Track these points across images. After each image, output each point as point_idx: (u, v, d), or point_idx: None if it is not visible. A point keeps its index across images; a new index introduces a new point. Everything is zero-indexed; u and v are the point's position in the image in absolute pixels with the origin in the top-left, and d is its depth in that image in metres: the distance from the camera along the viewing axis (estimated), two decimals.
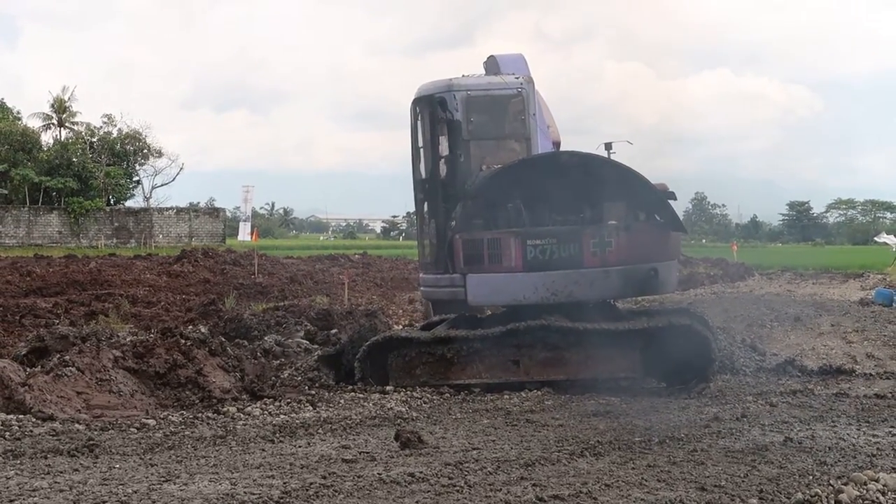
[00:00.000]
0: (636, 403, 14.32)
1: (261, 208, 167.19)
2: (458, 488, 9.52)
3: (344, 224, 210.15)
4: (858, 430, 12.51)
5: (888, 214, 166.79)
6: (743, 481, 9.91)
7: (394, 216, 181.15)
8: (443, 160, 16.71)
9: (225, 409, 13.51)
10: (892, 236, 58.18)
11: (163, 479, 9.89)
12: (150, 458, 10.86)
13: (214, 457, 10.99)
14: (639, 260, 15.85)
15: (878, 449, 11.38)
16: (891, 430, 12.50)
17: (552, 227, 15.96)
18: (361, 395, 14.82)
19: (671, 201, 16.25)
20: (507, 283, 15.89)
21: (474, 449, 11.34)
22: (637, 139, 17.35)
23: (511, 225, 15.94)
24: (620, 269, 15.83)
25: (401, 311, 26.76)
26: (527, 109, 16.54)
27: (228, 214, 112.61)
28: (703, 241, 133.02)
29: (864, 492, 8.71)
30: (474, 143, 16.82)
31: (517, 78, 16.66)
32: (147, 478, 9.92)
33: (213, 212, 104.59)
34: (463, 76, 16.84)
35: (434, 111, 16.61)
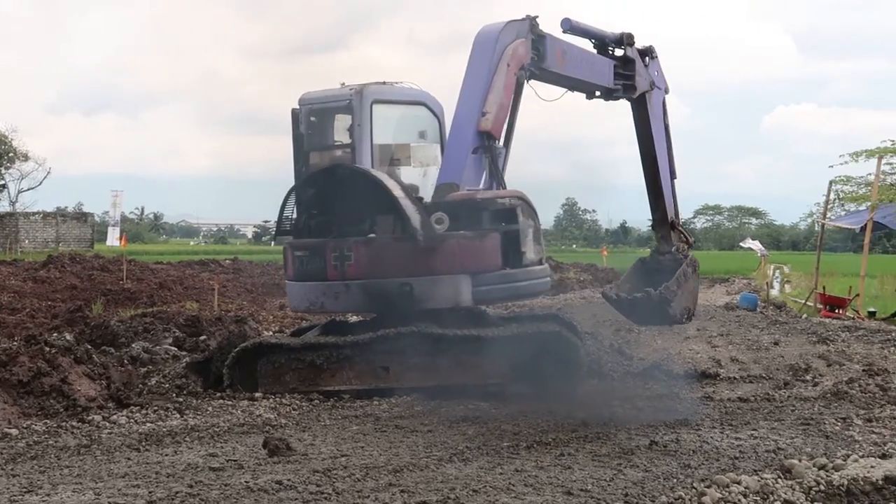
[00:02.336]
0: (505, 408, 14.40)
1: (130, 213, 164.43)
2: (326, 495, 9.49)
3: (215, 229, 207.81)
4: (722, 433, 12.72)
5: (754, 220, 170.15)
6: (609, 485, 10.03)
7: (265, 221, 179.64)
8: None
9: (90, 417, 13.29)
10: (757, 242, 59.34)
11: (25, 489, 9.72)
12: (11, 469, 10.66)
13: (79, 466, 10.82)
14: (384, 274, 15.88)
15: (740, 452, 11.60)
16: (753, 432, 12.73)
17: (308, 239, 16.43)
18: (230, 402, 14.70)
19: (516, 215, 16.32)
20: (289, 291, 17.23)
21: (343, 456, 11.33)
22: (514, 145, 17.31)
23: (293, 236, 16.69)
24: (361, 283, 16.01)
25: (271, 317, 26.58)
26: (353, 120, 16.49)
27: (97, 219, 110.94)
28: (574, 246, 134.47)
29: (727, 494, 8.85)
30: (314, 153, 16.91)
31: (350, 89, 16.57)
32: (8, 489, 9.74)
33: (81, 216, 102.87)
34: (342, 85, 16.80)
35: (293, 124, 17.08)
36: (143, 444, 11.97)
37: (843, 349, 21.09)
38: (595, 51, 18.34)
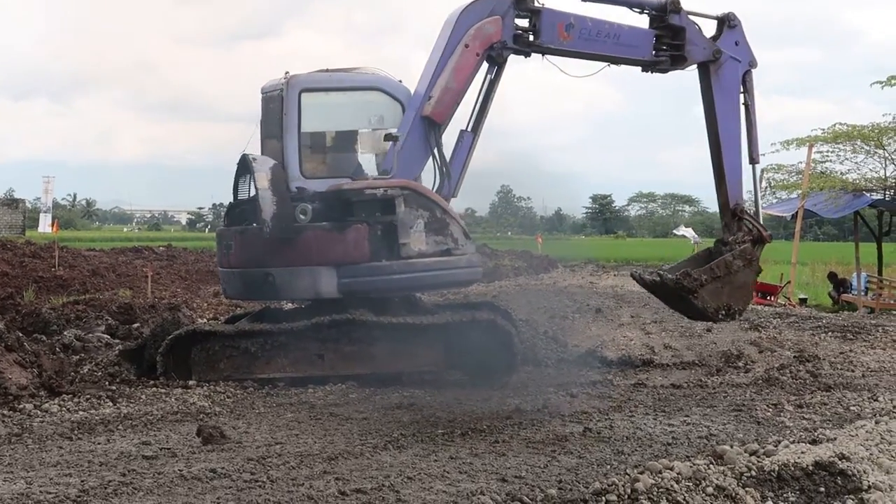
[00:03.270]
0: (440, 396, 14.44)
1: (62, 199, 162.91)
2: (260, 483, 9.47)
3: (149, 215, 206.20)
4: (655, 419, 12.84)
5: (687, 207, 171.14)
6: (543, 471, 10.08)
7: (200, 208, 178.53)
8: None
9: (21, 406, 13.13)
10: (690, 229, 59.82)
11: None
12: None
13: (9, 455, 10.71)
14: (252, 264, 16.13)
15: (673, 438, 11.71)
16: (686, 419, 12.86)
17: (221, 228, 17.17)
18: (163, 390, 14.59)
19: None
20: None
21: (277, 443, 11.31)
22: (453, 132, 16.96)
23: None
24: (239, 272, 16.48)
25: (205, 304, 26.42)
26: (282, 109, 16.37)
27: (28, 206, 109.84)
28: (509, 233, 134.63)
29: (660, 480, 8.90)
30: (267, 140, 16.84)
31: (286, 79, 16.46)
32: None
33: (12, 203, 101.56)
34: (286, 74, 16.63)
35: None
36: (76, 432, 11.87)
37: (775, 336, 21.31)
38: (648, 20, 17.38)
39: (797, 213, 33.46)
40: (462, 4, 16.45)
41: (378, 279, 15.89)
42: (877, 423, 11.68)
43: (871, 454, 10.10)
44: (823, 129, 34.35)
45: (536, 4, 16.57)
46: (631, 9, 17.40)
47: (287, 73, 16.55)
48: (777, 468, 9.15)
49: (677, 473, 9.10)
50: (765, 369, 17.04)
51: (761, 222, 17.94)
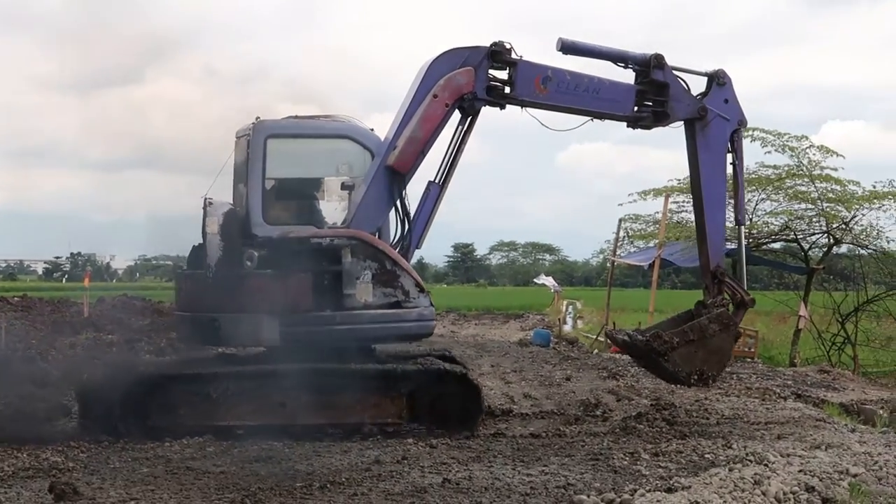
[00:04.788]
0: (299, 448, 14.28)
1: None
2: None
3: (3, 265, 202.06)
4: (514, 469, 12.88)
5: (548, 256, 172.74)
6: None
7: (57, 257, 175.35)
8: None
9: None
10: (550, 278, 60.32)
11: None
12: None
13: None
14: (199, 309, 15.90)
15: (531, 488, 11.75)
16: (544, 468, 12.92)
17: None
18: (15, 446, 14.24)
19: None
20: None
21: (132, 499, 11.12)
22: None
23: None
24: (187, 316, 16.26)
25: (61, 356, 25.89)
26: (247, 154, 16.14)
27: None
28: None
29: None
30: (236, 185, 16.67)
31: (254, 124, 16.13)
32: None
33: None
34: (257, 119, 16.33)
35: None
36: None
37: (633, 384, 21.59)
38: (635, 76, 17.33)
39: (654, 262, 33.91)
40: (435, 56, 16.42)
41: (321, 329, 15.68)
42: (730, 470, 11.91)
43: (724, 502, 10.28)
44: (679, 180, 34.94)
45: (513, 56, 16.57)
46: (615, 63, 17.36)
47: (258, 117, 16.29)
48: None
49: None
50: (622, 418, 17.23)
51: (745, 285, 17.81)
